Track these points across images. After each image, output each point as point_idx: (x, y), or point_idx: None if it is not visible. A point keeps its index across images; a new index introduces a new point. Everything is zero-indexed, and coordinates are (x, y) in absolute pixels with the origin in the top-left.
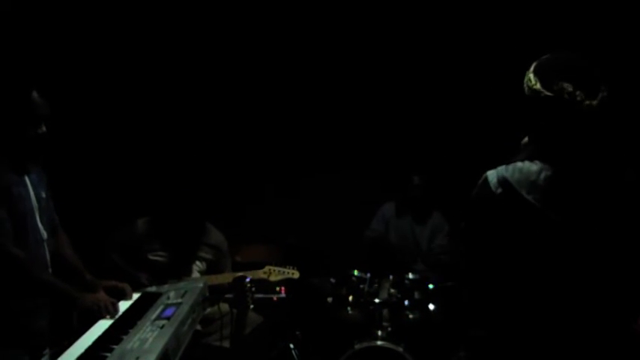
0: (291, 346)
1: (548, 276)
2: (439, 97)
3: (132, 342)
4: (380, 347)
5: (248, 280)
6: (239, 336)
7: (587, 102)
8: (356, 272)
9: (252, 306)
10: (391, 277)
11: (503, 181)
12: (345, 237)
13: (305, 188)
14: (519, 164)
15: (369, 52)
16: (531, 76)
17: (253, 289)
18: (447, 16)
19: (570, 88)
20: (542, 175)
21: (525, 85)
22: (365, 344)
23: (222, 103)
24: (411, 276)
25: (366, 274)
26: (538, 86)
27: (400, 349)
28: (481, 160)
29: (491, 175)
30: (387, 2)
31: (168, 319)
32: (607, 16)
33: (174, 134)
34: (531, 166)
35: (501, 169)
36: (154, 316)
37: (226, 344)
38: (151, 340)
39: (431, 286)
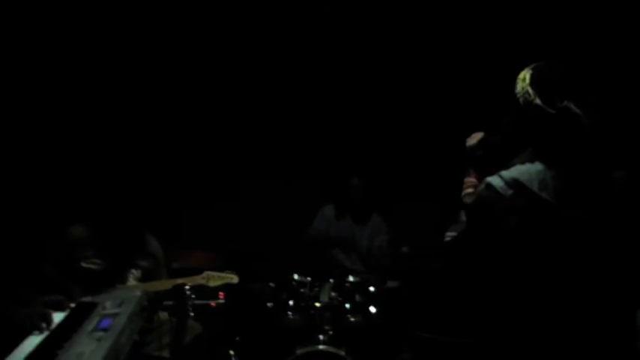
0: (231, 352)
1: (561, 275)
2: (377, 99)
3: (68, 356)
4: (322, 351)
5: (187, 287)
6: (178, 345)
7: (587, 120)
8: (296, 276)
9: (191, 313)
10: (332, 280)
11: (513, 183)
12: (285, 241)
13: (243, 193)
14: (523, 166)
15: (306, 55)
16: (529, 90)
17: (193, 296)
18: (383, 19)
19: (574, 109)
20: (549, 174)
21: (521, 97)
22: (306, 349)
23: (161, 108)
24: (351, 279)
25: (306, 278)
26: (538, 101)
27: (342, 353)
28: (420, 162)
29: (494, 179)
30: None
31: (105, 330)
32: (578, 17)
33: (110, 138)
34: (536, 167)
35: (504, 173)
36: (90, 328)
37: (165, 354)
38: (88, 353)
39: (372, 288)
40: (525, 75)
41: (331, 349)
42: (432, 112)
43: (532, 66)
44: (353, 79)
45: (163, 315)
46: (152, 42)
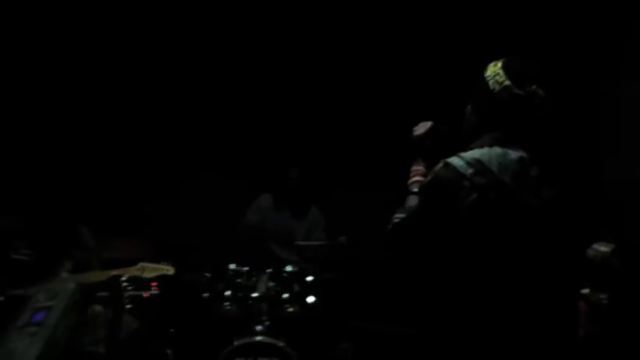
0: (168, 352)
1: (511, 259)
2: (314, 91)
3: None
4: (260, 342)
5: (124, 278)
6: (114, 339)
7: (550, 108)
8: (233, 266)
9: (128, 306)
10: (269, 270)
11: (474, 162)
12: (220, 231)
13: (177, 184)
14: (483, 149)
15: (240, 48)
16: (501, 72)
17: (129, 287)
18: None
19: (541, 91)
20: (508, 158)
21: (492, 79)
22: (244, 340)
23: (97, 99)
24: (289, 268)
25: (243, 268)
26: (509, 83)
27: (281, 344)
28: (359, 154)
29: (453, 159)
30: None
31: (39, 324)
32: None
33: (41, 129)
34: (495, 150)
35: (464, 154)
36: (22, 323)
37: (101, 349)
38: (21, 349)
39: (309, 278)
40: (496, 62)
41: (269, 339)
42: (371, 103)
43: (501, 60)
44: (292, 70)
45: (98, 308)
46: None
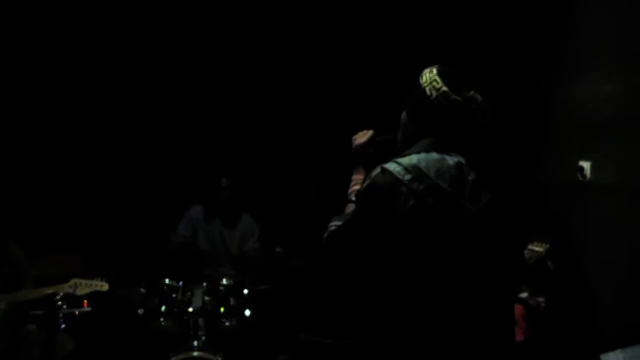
0: None
1: (451, 266)
2: (246, 100)
3: None
4: (197, 358)
5: (59, 296)
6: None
7: (488, 113)
8: (167, 281)
9: (63, 325)
10: (204, 284)
11: (411, 168)
12: (153, 245)
13: (107, 195)
14: (420, 155)
15: (171, 54)
16: (437, 78)
17: (65, 306)
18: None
19: (479, 97)
20: (446, 164)
21: (428, 85)
22: (181, 356)
23: (20, 108)
24: (225, 282)
25: (177, 282)
26: (446, 89)
27: (218, 358)
28: (288, 161)
29: (390, 165)
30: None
31: None
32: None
33: None
34: (433, 155)
35: (401, 159)
36: None
37: None
38: None
39: (246, 291)
40: (431, 68)
41: (207, 355)
42: (302, 114)
43: (436, 67)
44: (221, 80)
45: (32, 327)
46: None
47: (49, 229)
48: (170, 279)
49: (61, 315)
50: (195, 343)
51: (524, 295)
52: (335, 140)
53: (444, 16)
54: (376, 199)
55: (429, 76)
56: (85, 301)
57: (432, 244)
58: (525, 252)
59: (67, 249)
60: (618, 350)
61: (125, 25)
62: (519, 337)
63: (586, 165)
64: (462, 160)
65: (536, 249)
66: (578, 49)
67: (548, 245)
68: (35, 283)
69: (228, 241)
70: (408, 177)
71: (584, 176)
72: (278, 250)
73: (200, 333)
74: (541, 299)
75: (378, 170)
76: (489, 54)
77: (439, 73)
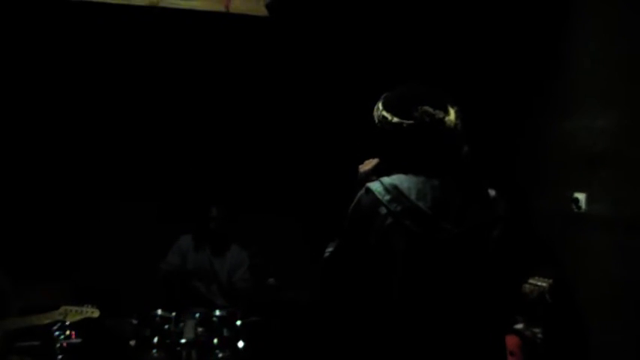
0: None
1: (435, 288)
2: (235, 128)
3: None
4: None
5: (56, 326)
6: None
7: (448, 118)
8: (159, 312)
9: (60, 356)
10: (197, 315)
11: (391, 188)
12: (144, 275)
13: (93, 224)
14: (403, 175)
15: (159, 79)
16: (384, 113)
17: (62, 336)
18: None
19: (430, 110)
20: (428, 185)
21: (380, 123)
22: None
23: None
24: (218, 313)
25: (170, 313)
26: (396, 119)
27: None
28: (279, 190)
29: (374, 184)
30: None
31: None
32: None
33: None
34: (413, 177)
35: (385, 180)
36: None
37: None
38: None
39: (239, 322)
40: (378, 104)
41: None
42: (291, 142)
43: (382, 96)
44: (212, 108)
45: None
46: None
47: (35, 257)
48: (162, 310)
49: (58, 346)
50: None
51: (519, 326)
52: (331, 170)
53: (437, 40)
54: (359, 219)
55: (377, 113)
56: (73, 333)
57: (410, 265)
58: (527, 286)
59: (54, 278)
60: None
61: (113, 51)
62: None
63: (581, 197)
64: (448, 181)
65: (539, 283)
66: (571, 80)
67: (551, 280)
68: (22, 311)
69: (218, 270)
70: (387, 197)
71: (579, 208)
72: (271, 280)
73: None
74: (537, 330)
75: (363, 190)
76: (481, 84)
77: (384, 106)
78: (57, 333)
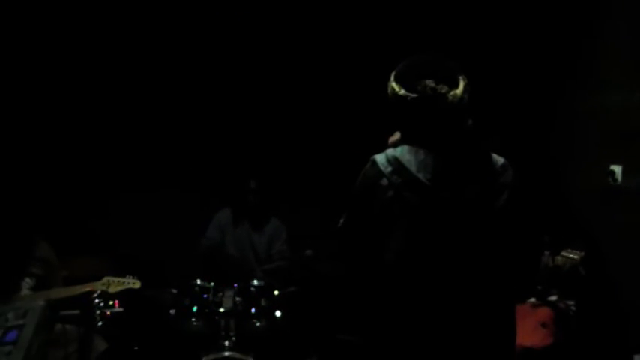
0: None
1: (436, 259)
2: (273, 102)
3: None
4: (228, 357)
5: (96, 294)
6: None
7: (452, 92)
8: (199, 281)
9: (100, 322)
10: (236, 285)
11: (393, 160)
12: (185, 246)
13: (140, 197)
14: (406, 147)
15: (195, 58)
16: (394, 84)
17: (102, 304)
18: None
19: (432, 84)
20: (430, 157)
21: (391, 94)
22: (212, 356)
23: (54, 106)
24: (255, 283)
25: (209, 283)
26: (403, 92)
27: (249, 358)
28: (318, 165)
29: (379, 156)
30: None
31: (13, 343)
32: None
33: None
34: (418, 149)
35: (389, 152)
36: None
37: None
38: None
39: (276, 292)
40: (391, 75)
41: (237, 355)
42: (327, 114)
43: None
44: (248, 81)
45: (68, 326)
46: None
47: (81, 232)
48: (202, 280)
49: (97, 313)
50: (226, 343)
51: (553, 297)
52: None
53: (474, 15)
54: (363, 190)
55: (389, 85)
56: (117, 302)
57: (411, 236)
58: (559, 258)
59: (97, 250)
60: None
61: (137, 32)
62: (547, 339)
63: (617, 169)
64: (447, 152)
65: (571, 256)
66: (606, 56)
67: (583, 253)
68: (66, 283)
69: (257, 244)
70: (389, 170)
71: (615, 180)
72: (308, 252)
73: (231, 333)
74: (570, 302)
75: (370, 162)
76: (518, 59)
77: (395, 78)
78: (97, 301)
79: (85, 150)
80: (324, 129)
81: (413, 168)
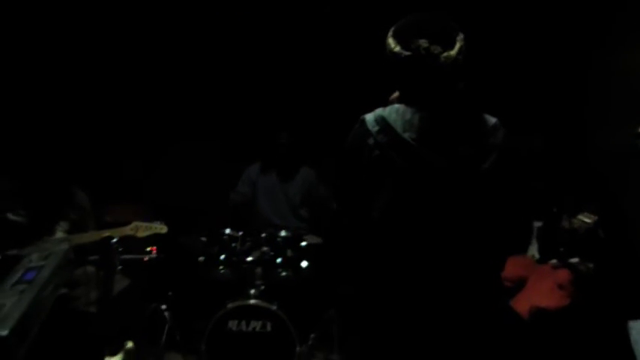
0: (163, 307)
1: (420, 217)
2: (295, 54)
3: None
4: (253, 306)
5: (115, 240)
6: (106, 300)
7: (445, 54)
8: (227, 231)
9: (119, 267)
10: (263, 234)
11: (380, 120)
12: (216, 196)
13: (174, 148)
14: (395, 106)
15: (227, 19)
16: (390, 40)
17: (120, 249)
18: None
19: (426, 44)
20: (417, 116)
21: (387, 50)
22: (238, 303)
23: (94, 61)
24: (283, 233)
25: (237, 232)
26: (398, 48)
27: (273, 307)
28: (346, 115)
29: (369, 116)
30: None
31: (28, 282)
32: None
33: (34, 89)
34: (406, 109)
35: (378, 111)
36: (13, 280)
37: (93, 309)
38: (9, 305)
39: (303, 243)
40: (389, 30)
41: (262, 303)
42: (354, 66)
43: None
44: (280, 41)
45: (90, 269)
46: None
47: (115, 181)
48: (231, 229)
49: (117, 258)
50: (252, 291)
51: (574, 260)
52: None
53: None
54: (350, 149)
55: (387, 41)
56: (154, 248)
57: (397, 195)
58: (575, 221)
59: (132, 197)
60: None
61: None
62: (563, 301)
63: None
64: (437, 112)
65: (586, 220)
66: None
67: (596, 217)
68: (105, 227)
69: (289, 192)
70: (376, 129)
71: None
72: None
73: (257, 282)
74: (591, 265)
75: (359, 122)
76: (550, 20)
77: (393, 34)
78: (117, 246)
79: (125, 103)
80: (354, 82)
81: (398, 128)
